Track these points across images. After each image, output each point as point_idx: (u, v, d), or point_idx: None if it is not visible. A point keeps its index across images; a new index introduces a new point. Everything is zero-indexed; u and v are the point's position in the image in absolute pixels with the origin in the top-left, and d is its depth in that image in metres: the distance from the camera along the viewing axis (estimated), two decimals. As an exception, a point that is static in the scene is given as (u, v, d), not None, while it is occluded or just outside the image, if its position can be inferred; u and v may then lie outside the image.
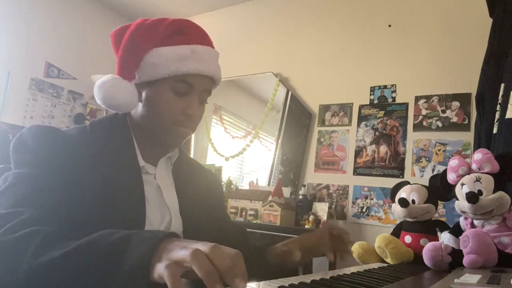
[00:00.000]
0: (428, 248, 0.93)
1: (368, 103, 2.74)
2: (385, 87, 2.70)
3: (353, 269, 0.81)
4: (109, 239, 0.52)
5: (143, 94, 0.81)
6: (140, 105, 0.82)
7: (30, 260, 0.52)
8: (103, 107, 0.80)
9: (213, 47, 0.86)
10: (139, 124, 0.83)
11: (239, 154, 3.21)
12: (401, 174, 2.50)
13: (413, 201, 1.15)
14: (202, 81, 0.81)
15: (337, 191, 2.72)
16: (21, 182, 0.65)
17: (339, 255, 0.78)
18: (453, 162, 1.06)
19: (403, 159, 2.52)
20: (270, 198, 2.61)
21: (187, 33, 0.81)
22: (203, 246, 0.46)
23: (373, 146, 2.65)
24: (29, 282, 0.51)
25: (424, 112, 2.52)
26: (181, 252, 0.46)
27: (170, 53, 0.78)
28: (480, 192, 0.96)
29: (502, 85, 1.66)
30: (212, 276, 0.43)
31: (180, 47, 0.79)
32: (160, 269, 0.45)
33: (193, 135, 3.57)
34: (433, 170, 2.40)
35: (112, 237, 0.52)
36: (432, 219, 1.17)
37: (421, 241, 1.10)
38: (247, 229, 1.05)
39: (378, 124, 2.67)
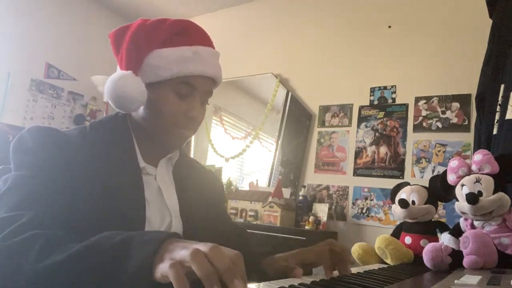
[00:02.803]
0: (428, 249, 0.92)
1: (368, 104, 2.74)
2: (385, 88, 2.70)
3: (353, 270, 0.81)
4: (110, 241, 0.53)
5: None
6: (142, 107, 0.81)
7: (31, 265, 0.52)
8: (110, 103, 0.78)
9: (214, 48, 0.85)
10: (141, 125, 0.83)
11: (239, 155, 3.21)
12: (401, 175, 2.50)
13: (413, 202, 1.15)
14: (204, 82, 0.81)
15: (337, 192, 2.72)
16: (21, 185, 0.65)
17: (339, 272, 0.77)
18: (453, 163, 1.06)
19: (403, 160, 2.52)
20: (270, 199, 2.61)
21: (188, 34, 0.81)
22: (203, 247, 0.47)
23: (373, 147, 2.65)
24: (32, 286, 0.51)
25: (424, 113, 2.52)
26: (182, 252, 0.46)
27: (172, 54, 0.77)
28: (480, 193, 0.96)
29: (502, 86, 1.66)
30: (210, 276, 0.44)
31: (182, 49, 0.78)
32: (165, 269, 0.46)
33: (193, 136, 3.58)
34: (433, 171, 2.40)
35: (114, 239, 0.53)
36: (432, 220, 1.17)
37: (421, 242, 1.10)
38: (247, 230, 1.05)
39: (378, 125, 2.67)
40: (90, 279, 0.50)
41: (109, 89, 0.76)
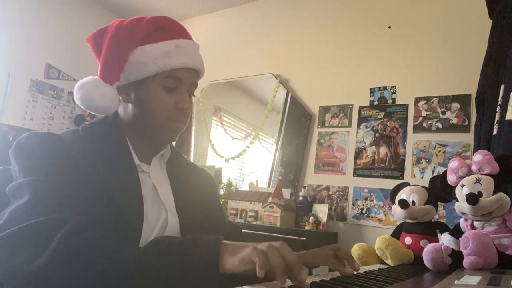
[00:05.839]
0: (428, 250, 0.92)
1: (368, 104, 2.74)
2: (385, 88, 2.70)
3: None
4: (173, 242, 0.60)
5: (132, 94, 0.82)
6: (131, 105, 0.82)
7: (104, 263, 0.56)
8: (81, 108, 0.80)
9: (192, 40, 0.87)
10: (132, 124, 0.84)
11: (239, 156, 3.21)
12: (401, 176, 2.50)
13: (413, 203, 1.15)
14: (189, 74, 0.83)
15: (337, 193, 2.72)
16: (43, 190, 0.66)
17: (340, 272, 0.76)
18: (453, 163, 1.06)
19: (403, 161, 2.52)
20: (270, 199, 2.61)
21: (167, 29, 0.83)
22: (275, 243, 0.56)
23: (373, 147, 2.65)
24: (105, 282, 0.55)
25: (424, 113, 2.52)
26: (254, 247, 0.55)
27: (155, 50, 0.79)
28: (480, 194, 0.96)
29: (502, 87, 1.66)
30: (281, 266, 0.52)
31: (164, 43, 0.80)
32: (247, 253, 0.54)
33: (193, 137, 3.58)
34: (433, 172, 2.40)
35: (174, 240, 0.61)
36: (432, 220, 1.17)
37: (421, 243, 1.10)
38: (247, 231, 1.05)
39: (378, 125, 2.67)
40: (162, 275, 0.55)
41: (75, 94, 0.78)
